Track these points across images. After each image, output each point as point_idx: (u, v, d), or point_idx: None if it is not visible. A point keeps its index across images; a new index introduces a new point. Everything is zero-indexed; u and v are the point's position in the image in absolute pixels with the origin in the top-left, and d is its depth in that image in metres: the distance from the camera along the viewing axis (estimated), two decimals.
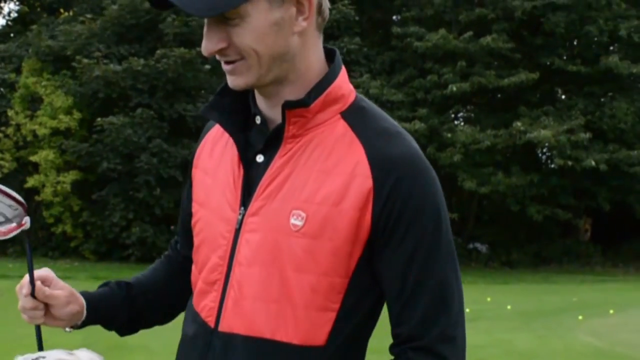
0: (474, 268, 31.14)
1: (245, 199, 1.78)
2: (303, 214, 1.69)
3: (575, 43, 33.91)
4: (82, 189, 30.00)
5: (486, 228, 35.26)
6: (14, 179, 30.68)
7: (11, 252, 31.11)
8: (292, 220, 1.70)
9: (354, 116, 1.76)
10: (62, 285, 1.92)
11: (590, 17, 31.41)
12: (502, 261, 32.74)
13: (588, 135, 29.20)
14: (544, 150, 34.24)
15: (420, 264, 1.69)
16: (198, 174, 1.95)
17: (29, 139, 30.22)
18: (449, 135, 29.57)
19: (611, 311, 16.75)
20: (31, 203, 31.19)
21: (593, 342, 12.57)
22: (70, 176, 29.27)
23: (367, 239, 1.69)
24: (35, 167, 30.35)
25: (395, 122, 1.82)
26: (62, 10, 36.07)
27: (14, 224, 1.82)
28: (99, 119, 28.82)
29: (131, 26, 31.34)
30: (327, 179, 1.70)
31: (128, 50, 31.07)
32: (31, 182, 29.44)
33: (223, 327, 1.78)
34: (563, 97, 34.59)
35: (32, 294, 1.86)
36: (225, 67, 1.74)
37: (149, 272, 2.18)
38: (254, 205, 1.76)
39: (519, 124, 29.21)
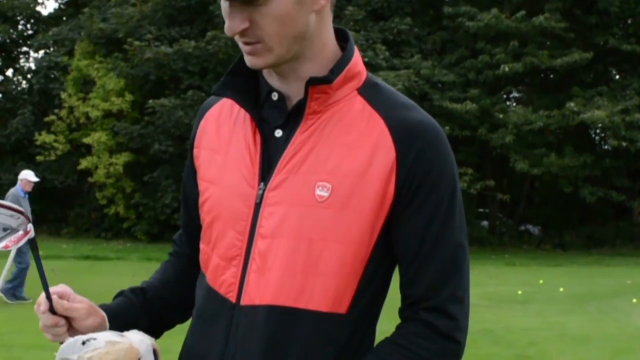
0: (525, 250, 30.92)
1: (265, 174, 1.79)
2: (329, 185, 1.71)
3: (629, 22, 33.33)
4: (134, 171, 30.33)
5: (538, 210, 34.99)
6: (67, 160, 31.13)
7: (65, 232, 31.62)
8: (318, 192, 1.72)
9: (369, 92, 1.80)
10: (80, 299, 1.89)
11: None
12: (554, 243, 32.45)
13: None
14: (598, 131, 33.86)
15: (437, 228, 1.74)
16: (204, 153, 1.94)
17: (81, 121, 30.60)
18: (501, 116, 29.32)
19: None
20: (84, 184, 31.63)
21: None
22: (122, 158, 29.58)
23: (390, 207, 1.74)
24: (88, 149, 30.73)
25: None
26: None
27: (20, 232, 1.81)
28: (150, 101, 29.08)
29: (182, 8, 31.51)
30: (351, 152, 1.73)
31: (179, 33, 31.26)
32: (84, 163, 29.81)
33: (245, 301, 1.77)
34: (617, 77, 34.11)
35: (51, 310, 1.82)
36: (244, 47, 1.75)
37: (159, 274, 2.16)
38: (275, 179, 1.76)
39: (572, 104, 28.86)
